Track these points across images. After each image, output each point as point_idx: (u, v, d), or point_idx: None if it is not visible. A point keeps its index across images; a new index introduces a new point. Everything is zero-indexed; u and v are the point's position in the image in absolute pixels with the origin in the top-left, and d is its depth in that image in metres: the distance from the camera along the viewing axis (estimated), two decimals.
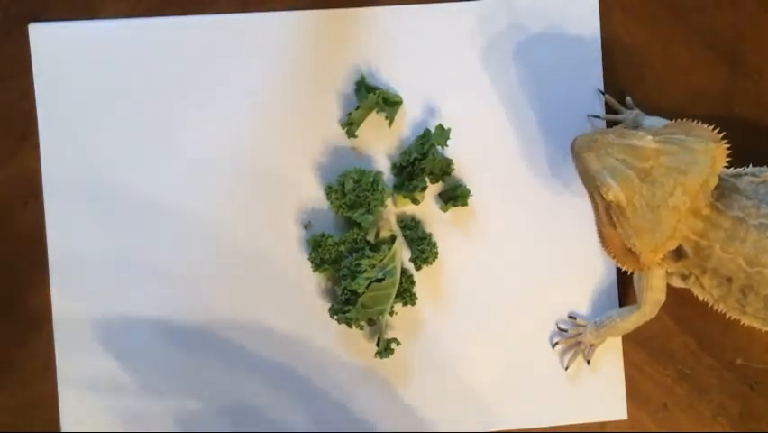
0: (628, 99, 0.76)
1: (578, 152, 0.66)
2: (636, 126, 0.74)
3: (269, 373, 0.75)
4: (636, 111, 0.76)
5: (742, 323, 0.69)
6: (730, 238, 0.66)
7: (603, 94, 0.76)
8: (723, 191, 0.67)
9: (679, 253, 0.68)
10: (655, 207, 0.65)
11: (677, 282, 0.71)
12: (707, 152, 0.65)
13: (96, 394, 0.75)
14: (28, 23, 0.74)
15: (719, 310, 0.70)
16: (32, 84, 0.74)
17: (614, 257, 0.68)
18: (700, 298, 0.70)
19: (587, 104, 0.77)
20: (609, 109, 0.77)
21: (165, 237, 0.75)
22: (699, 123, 0.68)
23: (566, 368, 0.76)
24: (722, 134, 0.67)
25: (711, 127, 0.67)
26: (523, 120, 0.76)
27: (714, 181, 0.66)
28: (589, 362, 0.76)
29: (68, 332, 0.75)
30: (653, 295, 0.71)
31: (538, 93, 0.76)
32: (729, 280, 0.67)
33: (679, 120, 0.69)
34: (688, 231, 0.66)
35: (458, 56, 0.76)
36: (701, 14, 0.78)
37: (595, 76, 0.77)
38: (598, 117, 0.76)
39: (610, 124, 0.76)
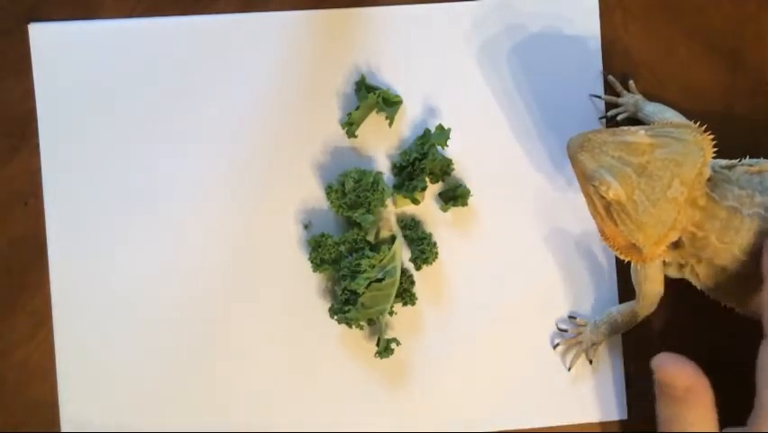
0: (631, 83, 0.76)
1: (572, 153, 0.66)
2: (637, 111, 0.75)
3: (269, 373, 0.75)
4: (638, 96, 0.76)
5: (736, 312, 0.70)
6: (725, 228, 0.66)
7: (606, 75, 0.76)
8: (717, 182, 0.68)
9: (675, 243, 0.68)
10: (655, 200, 0.65)
11: (674, 272, 0.71)
12: (697, 142, 0.66)
13: (96, 394, 0.75)
14: (28, 23, 0.75)
15: (714, 299, 0.70)
16: (32, 84, 0.75)
17: (617, 251, 0.68)
18: (697, 287, 0.70)
19: (587, 103, 0.77)
20: (612, 91, 0.77)
21: (164, 236, 0.75)
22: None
23: (569, 369, 0.76)
24: (722, 133, 0.67)
25: (697, 123, 0.68)
26: (523, 120, 0.77)
27: (707, 172, 0.66)
28: (591, 361, 0.76)
29: (68, 332, 0.75)
30: (651, 287, 0.71)
31: (538, 93, 0.77)
32: (724, 269, 0.68)
33: (661, 121, 0.71)
34: (687, 222, 0.66)
35: (458, 56, 0.77)
36: (701, 14, 0.78)
37: (595, 75, 0.77)
38: (599, 97, 0.76)
39: (610, 105, 0.76)
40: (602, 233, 0.68)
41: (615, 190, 0.65)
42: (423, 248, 0.75)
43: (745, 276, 0.67)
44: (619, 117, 0.76)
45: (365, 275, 0.72)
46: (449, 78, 0.76)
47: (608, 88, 0.77)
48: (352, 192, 0.74)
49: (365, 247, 0.74)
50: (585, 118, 0.77)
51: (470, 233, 0.76)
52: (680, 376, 0.65)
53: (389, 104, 0.75)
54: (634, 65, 0.77)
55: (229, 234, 0.75)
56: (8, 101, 0.75)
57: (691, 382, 0.65)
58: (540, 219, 0.76)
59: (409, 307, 0.75)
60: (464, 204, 0.75)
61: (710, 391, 0.66)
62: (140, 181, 0.75)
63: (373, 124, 0.76)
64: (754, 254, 0.66)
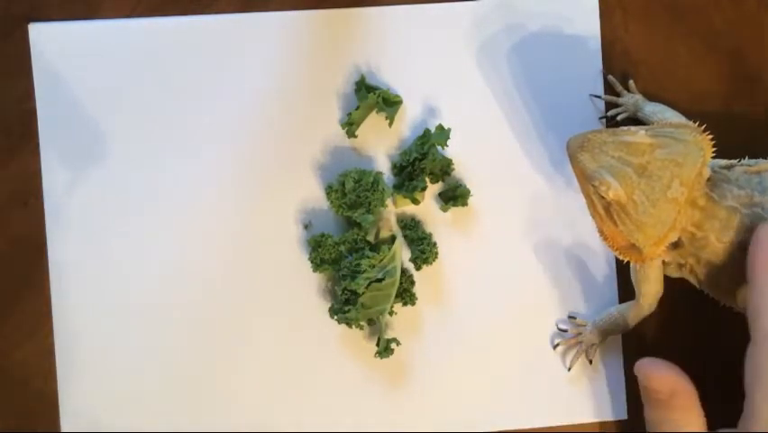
0: (631, 83, 0.76)
1: (572, 153, 0.66)
2: (637, 110, 0.75)
3: (269, 373, 0.75)
4: (638, 96, 0.76)
5: (735, 311, 0.70)
6: (725, 228, 0.66)
7: (606, 75, 0.76)
8: (716, 182, 0.68)
9: (674, 243, 0.68)
10: (655, 200, 0.65)
11: (673, 272, 0.71)
12: (697, 142, 0.66)
13: (96, 394, 0.75)
14: (28, 22, 0.75)
15: (714, 298, 0.70)
16: (32, 84, 0.75)
17: (617, 251, 0.68)
18: (697, 286, 0.70)
19: (587, 103, 0.77)
20: (612, 91, 0.77)
21: (164, 236, 0.75)
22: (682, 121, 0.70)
23: (569, 369, 0.76)
24: (721, 133, 0.67)
25: (697, 123, 0.68)
26: (523, 120, 0.77)
27: (707, 172, 0.66)
28: (591, 361, 0.76)
29: (68, 332, 0.75)
30: (650, 287, 0.71)
31: (538, 93, 0.77)
32: (723, 268, 0.68)
33: (660, 121, 0.71)
34: (686, 222, 0.66)
35: (458, 56, 0.77)
36: (701, 14, 0.78)
37: (595, 75, 0.77)
38: (599, 97, 0.76)
39: (610, 105, 0.76)
40: (601, 233, 0.68)
41: (615, 191, 0.65)
42: (423, 248, 0.75)
43: (743, 275, 0.67)
44: (619, 117, 0.76)
45: (365, 275, 0.72)
46: (449, 78, 0.76)
47: (608, 88, 0.77)
48: (352, 192, 0.74)
49: (365, 247, 0.74)
50: (585, 118, 0.77)
51: (470, 233, 0.76)
52: (663, 381, 0.66)
53: (389, 104, 0.75)
54: (634, 65, 0.77)
55: (229, 234, 0.75)
56: (8, 101, 0.75)
57: (675, 385, 0.66)
58: (540, 219, 0.76)
59: (409, 307, 0.75)
60: (464, 204, 0.75)
61: (695, 393, 0.66)
62: (140, 181, 0.75)
63: (373, 124, 0.76)
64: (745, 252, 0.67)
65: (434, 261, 0.75)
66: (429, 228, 0.76)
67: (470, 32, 0.77)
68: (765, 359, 0.64)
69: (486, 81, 0.77)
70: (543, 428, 0.76)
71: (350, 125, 0.75)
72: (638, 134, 0.65)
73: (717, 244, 0.67)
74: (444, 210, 0.75)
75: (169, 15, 0.76)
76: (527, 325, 0.76)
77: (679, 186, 0.65)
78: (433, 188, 0.76)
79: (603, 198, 0.65)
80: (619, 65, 0.77)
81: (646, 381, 0.67)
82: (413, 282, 0.75)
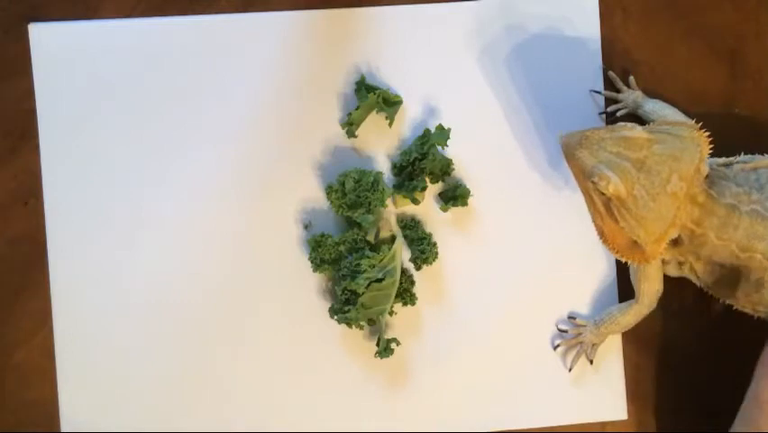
0: (631, 78, 0.76)
1: (570, 150, 0.66)
2: (637, 107, 0.75)
3: (269, 373, 0.75)
4: (638, 92, 0.76)
5: (734, 308, 0.70)
6: (724, 225, 0.66)
7: (607, 71, 0.77)
8: (714, 180, 0.68)
9: (674, 241, 0.68)
10: (655, 195, 0.65)
11: (673, 270, 0.71)
12: (693, 138, 0.66)
13: (96, 394, 0.75)
14: (28, 22, 0.75)
15: (713, 295, 0.70)
16: (32, 84, 0.75)
17: (617, 252, 0.68)
18: (696, 284, 0.70)
19: (587, 104, 0.77)
20: (612, 87, 0.77)
21: (165, 237, 0.75)
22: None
23: (570, 369, 0.76)
24: (721, 132, 0.68)
25: (694, 121, 0.68)
26: (523, 120, 0.77)
27: (705, 168, 0.66)
28: (592, 361, 0.75)
29: (68, 332, 0.75)
30: (650, 286, 0.71)
31: (538, 93, 0.77)
32: (722, 266, 0.68)
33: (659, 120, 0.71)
34: (686, 218, 0.66)
35: (458, 56, 0.77)
36: (701, 14, 0.78)
37: (595, 76, 0.77)
38: (599, 93, 0.76)
39: (610, 102, 0.76)
40: (602, 234, 0.68)
41: (615, 185, 0.65)
42: (423, 248, 0.75)
43: (741, 273, 0.67)
44: (619, 113, 0.76)
45: (365, 275, 0.72)
46: (449, 78, 0.76)
47: (609, 85, 0.77)
48: (352, 192, 0.74)
49: (365, 247, 0.74)
50: (585, 119, 0.77)
51: (470, 233, 0.76)
52: None
53: (389, 104, 0.75)
54: (634, 65, 0.77)
55: (229, 235, 0.75)
56: (8, 101, 0.75)
57: None
58: (540, 219, 0.76)
59: (409, 307, 0.75)
60: (464, 204, 0.75)
61: None
62: (139, 181, 0.75)
63: (373, 124, 0.76)
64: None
65: (434, 261, 0.75)
66: (429, 228, 0.76)
67: (470, 32, 0.77)
68: None
69: (486, 81, 0.77)
70: (543, 428, 0.76)
71: (350, 125, 0.75)
72: (635, 130, 0.66)
73: (717, 241, 0.67)
74: (444, 210, 0.75)
75: (169, 15, 0.76)
76: (527, 325, 0.76)
77: (678, 180, 0.65)
78: (433, 189, 0.76)
79: (603, 194, 0.65)
80: (619, 65, 0.77)
81: None
82: (413, 282, 0.75)
